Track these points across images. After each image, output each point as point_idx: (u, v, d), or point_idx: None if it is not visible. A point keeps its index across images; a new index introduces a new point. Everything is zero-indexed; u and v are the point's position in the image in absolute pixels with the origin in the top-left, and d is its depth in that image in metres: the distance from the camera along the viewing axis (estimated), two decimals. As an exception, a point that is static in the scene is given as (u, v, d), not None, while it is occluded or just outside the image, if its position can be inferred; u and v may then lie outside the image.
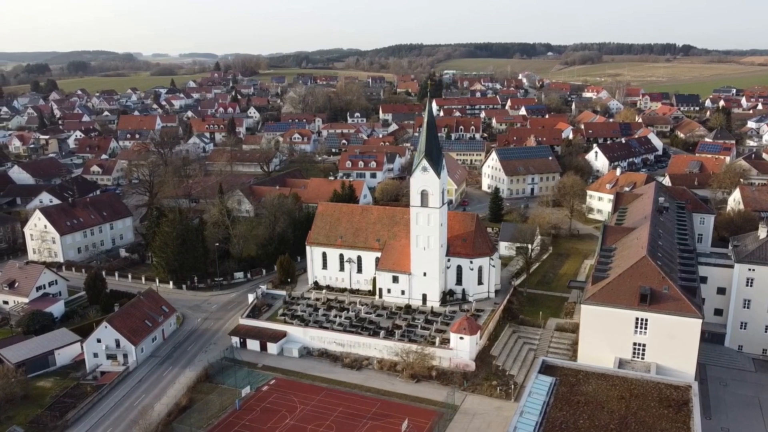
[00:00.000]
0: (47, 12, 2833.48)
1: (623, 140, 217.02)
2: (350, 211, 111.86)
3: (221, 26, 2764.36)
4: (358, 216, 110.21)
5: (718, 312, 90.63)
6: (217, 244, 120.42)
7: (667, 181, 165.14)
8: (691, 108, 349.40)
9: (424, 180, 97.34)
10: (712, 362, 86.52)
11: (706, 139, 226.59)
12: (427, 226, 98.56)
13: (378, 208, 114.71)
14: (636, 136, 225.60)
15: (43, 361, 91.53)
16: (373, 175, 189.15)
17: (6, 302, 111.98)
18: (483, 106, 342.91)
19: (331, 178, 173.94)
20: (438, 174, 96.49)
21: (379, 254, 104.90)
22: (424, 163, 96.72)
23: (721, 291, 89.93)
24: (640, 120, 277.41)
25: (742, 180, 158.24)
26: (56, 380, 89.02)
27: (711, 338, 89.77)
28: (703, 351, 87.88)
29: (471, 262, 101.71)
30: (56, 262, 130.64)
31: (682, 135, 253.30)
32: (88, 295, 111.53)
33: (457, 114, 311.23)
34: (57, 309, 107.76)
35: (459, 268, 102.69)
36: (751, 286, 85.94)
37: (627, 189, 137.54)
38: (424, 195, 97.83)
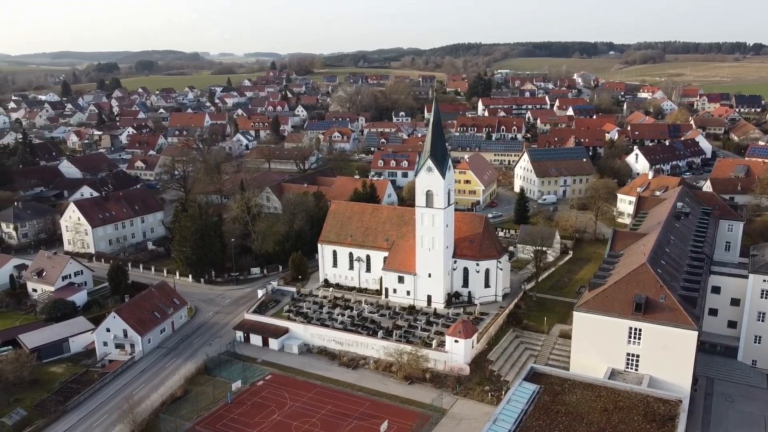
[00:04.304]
0: (120, 15, 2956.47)
1: (668, 142, 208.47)
2: (361, 210, 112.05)
3: (287, 27, 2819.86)
4: (368, 215, 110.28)
5: (732, 324, 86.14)
6: (233, 239, 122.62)
7: (708, 185, 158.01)
8: (752, 110, 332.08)
9: (429, 180, 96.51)
10: (721, 377, 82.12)
11: (760, 143, 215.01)
12: (431, 227, 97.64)
13: (388, 208, 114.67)
14: (682, 139, 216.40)
15: (57, 348, 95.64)
16: (405, 175, 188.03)
17: (35, 290, 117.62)
18: (530, 106, 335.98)
19: (356, 177, 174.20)
20: (443, 174, 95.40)
21: (387, 254, 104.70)
22: (429, 163, 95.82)
23: (735, 302, 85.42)
24: (692, 121, 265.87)
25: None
26: (68, 366, 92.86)
27: (724, 351, 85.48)
28: (713, 365, 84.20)
29: (477, 264, 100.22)
30: (88, 253, 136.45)
31: (735, 138, 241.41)
32: (111, 285, 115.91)
33: (502, 114, 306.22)
34: (80, 298, 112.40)
35: (465, 270, 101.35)
36: (765, 298, 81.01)
37: (658, 193, 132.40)
38: (429, 195, 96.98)
